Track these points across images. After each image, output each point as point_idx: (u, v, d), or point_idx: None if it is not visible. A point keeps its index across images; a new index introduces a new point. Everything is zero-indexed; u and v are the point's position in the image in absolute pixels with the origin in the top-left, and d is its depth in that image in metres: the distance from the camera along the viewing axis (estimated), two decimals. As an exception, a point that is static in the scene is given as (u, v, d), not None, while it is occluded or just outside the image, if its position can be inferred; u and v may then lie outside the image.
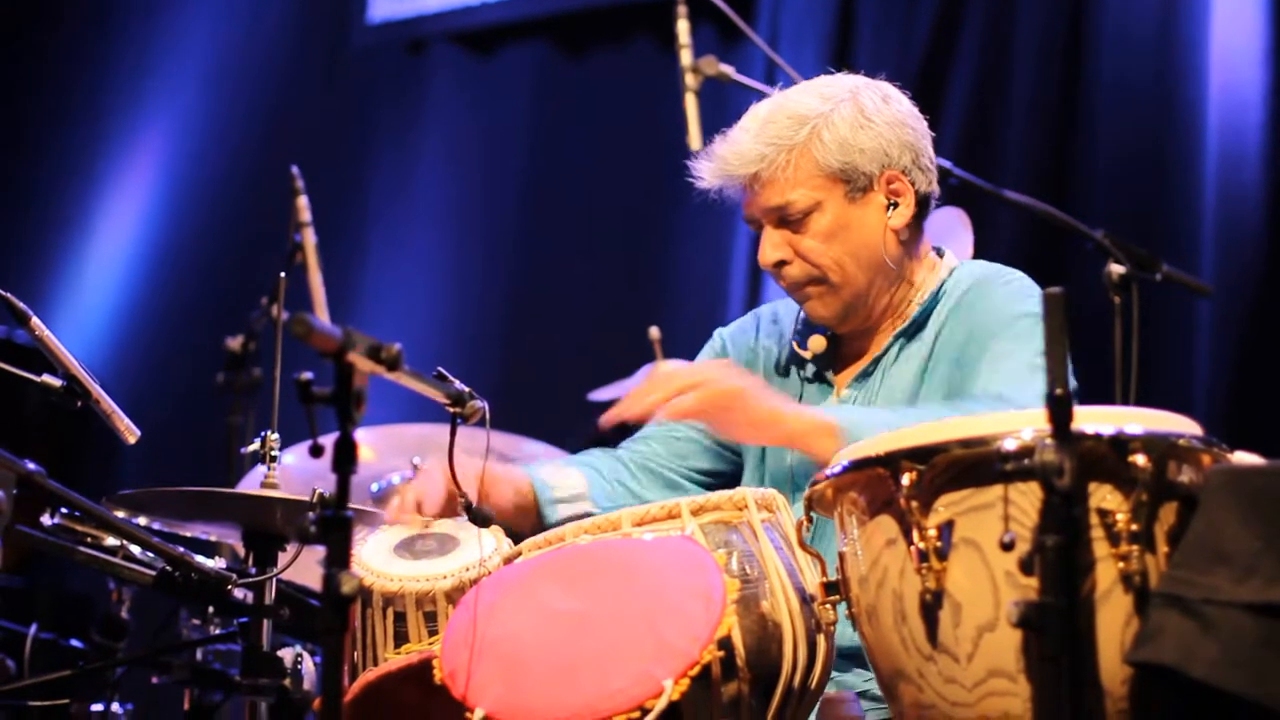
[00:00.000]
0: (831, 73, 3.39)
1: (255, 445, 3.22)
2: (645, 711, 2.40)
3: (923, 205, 3.33)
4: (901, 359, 3.31)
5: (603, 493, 3.35)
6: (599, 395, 5.16)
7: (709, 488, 3.38)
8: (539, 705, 2.47)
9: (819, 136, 3.24)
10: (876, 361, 3.33)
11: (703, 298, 6.54)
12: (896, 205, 3.29)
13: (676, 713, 2.44)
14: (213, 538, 3.67)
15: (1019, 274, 3.35)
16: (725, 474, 3.45)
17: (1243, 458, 2.46)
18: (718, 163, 3.29)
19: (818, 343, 3.40)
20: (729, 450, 3.46)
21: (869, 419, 3.01)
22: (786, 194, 3.25)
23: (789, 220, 3.27)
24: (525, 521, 3.24)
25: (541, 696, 2.47)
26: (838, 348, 3.41)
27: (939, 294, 3.33)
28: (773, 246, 3.29)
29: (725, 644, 2.51)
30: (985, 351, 3.19)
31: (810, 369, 3.41)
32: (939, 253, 3.42)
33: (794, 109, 3.28)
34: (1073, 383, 3.12)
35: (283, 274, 3.73)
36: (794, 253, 3.29)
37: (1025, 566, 2.26)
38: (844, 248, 3.27)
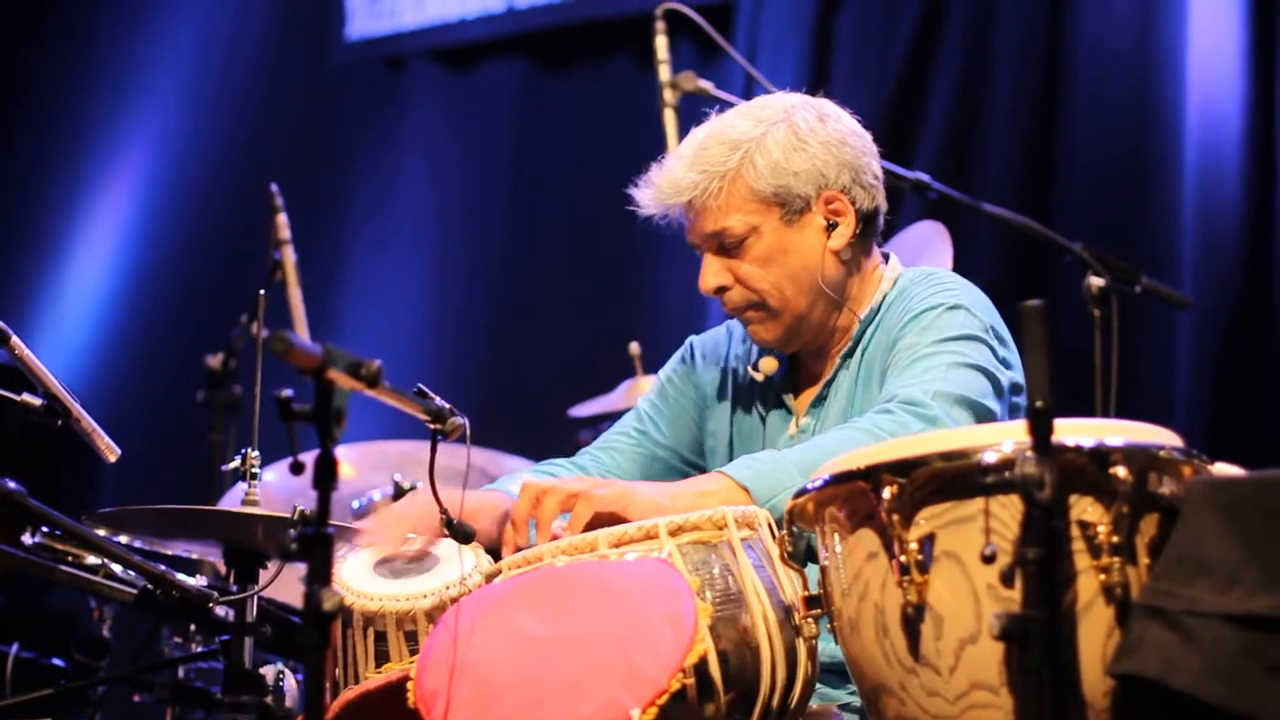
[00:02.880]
0: (802, 90, 3.36)
1: (236, 463, 3.21)
2: (614, 740, 2.39)
3: (867, 222, 3.29)
4: (846, 381, 3.29)
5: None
6: (579, 411, 5.16)
7: None
8: (508, 731, 2.46)
9: (751, 161, 3.20)
10: (829, 385, 3.30)
11: (682, 313, 6.53)
12: (836, 225, 3.24)
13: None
14: (194, 555, 3.66)
15: (944, 272, 3.32)
16: None
17: (1223, 469, 2.47)
18: (654, 190, 3.25)
19: (769, 364, 3.37)
20: (696, 469, 3.43)
21: (772, 469, 2.95)
22: (722, 220, 3.21)
23: (726, 246, 3.24)
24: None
25: (510, 723, 2.46)
26: (795, 370, 3.39)
27: (878, 310, 3.30)
28: (712, 273, 3.26)
29: (702, 665, 2.49)
30: (895, 354, 3.17)
31: (771, 393, 3.38)
32: (885, 258, 3.37)
33: (727, 134, 3.23)
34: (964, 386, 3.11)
35: (262, 291, 3.74)
36: (733, 278, 3.25)
37: (1006, 579, 2.26)
38: (782, 272, 3.23)
